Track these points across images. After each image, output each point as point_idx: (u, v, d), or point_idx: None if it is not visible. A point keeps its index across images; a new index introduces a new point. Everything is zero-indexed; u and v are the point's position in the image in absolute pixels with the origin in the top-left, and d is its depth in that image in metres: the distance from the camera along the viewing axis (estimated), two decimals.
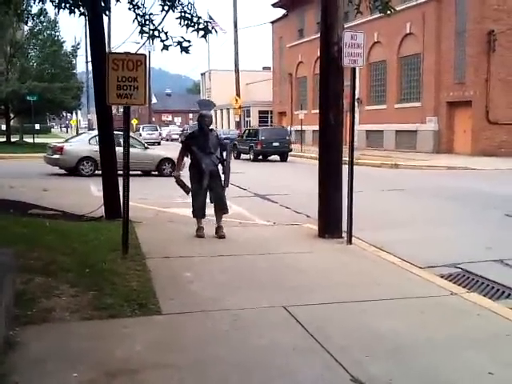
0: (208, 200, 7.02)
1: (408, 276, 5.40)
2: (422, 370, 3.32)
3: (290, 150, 24.56)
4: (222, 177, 6.98)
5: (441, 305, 4.53)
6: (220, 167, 7.02)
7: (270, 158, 24.60)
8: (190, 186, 7.01)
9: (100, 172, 8.61)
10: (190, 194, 7.01)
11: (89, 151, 15.24)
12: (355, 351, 3.52)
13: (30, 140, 31.69)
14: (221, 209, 7.03)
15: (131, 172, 6.15)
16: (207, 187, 6.85)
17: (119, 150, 6.78)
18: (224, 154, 7.04)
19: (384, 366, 3.34)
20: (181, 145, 7.38)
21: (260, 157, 24.35)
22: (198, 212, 6.95)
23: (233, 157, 22.43)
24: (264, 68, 53.36)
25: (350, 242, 6.74)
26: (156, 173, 16.20)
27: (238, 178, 13.15)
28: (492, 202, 10.57)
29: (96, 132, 10.40)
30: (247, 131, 26.52)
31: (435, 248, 6.82)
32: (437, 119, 25.14)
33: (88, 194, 11.23)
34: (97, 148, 9.51)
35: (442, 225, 8.47)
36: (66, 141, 18.07)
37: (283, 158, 24.26)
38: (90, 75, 9.78)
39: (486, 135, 22.79)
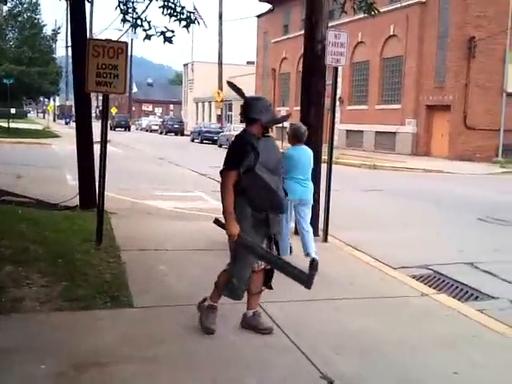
0: None
1: (381, 276, 5.47)
2: (389, 369, 3.37)
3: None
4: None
5: (411, 305, 4.61)
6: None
7: None
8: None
9: None
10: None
11: None
12: (326, 349, 3.56)
13: (4, 125, 30.90)
14: (265, 282, 3.86)
15: None
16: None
17: None
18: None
19: (353, 363, 3.39)
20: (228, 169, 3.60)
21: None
22: (240, 290, 3.71)
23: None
24: (248, 62, 53.12)
25: (325, 240, 6.79)
26: None
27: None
28: (466, 205, 10.77)
29: None
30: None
31: (408, 249, 6.92)
32: (416, 122, 25.47)
33: (63, 183, 11.04)
34: None
35: (416, 226, 8.60)
36: None
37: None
38: (70, 60, 9.58)
39: (463, 140, 23.19)
